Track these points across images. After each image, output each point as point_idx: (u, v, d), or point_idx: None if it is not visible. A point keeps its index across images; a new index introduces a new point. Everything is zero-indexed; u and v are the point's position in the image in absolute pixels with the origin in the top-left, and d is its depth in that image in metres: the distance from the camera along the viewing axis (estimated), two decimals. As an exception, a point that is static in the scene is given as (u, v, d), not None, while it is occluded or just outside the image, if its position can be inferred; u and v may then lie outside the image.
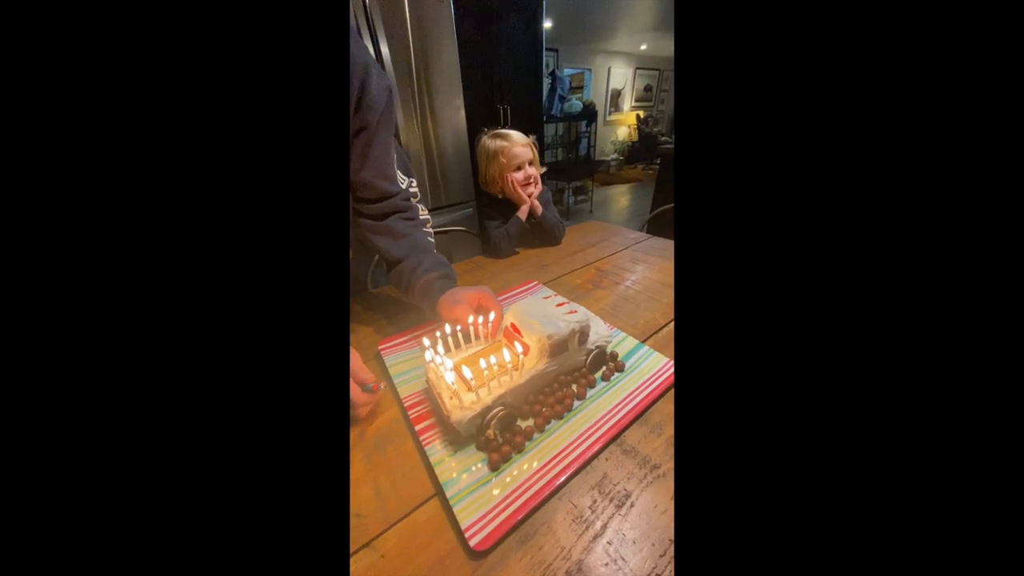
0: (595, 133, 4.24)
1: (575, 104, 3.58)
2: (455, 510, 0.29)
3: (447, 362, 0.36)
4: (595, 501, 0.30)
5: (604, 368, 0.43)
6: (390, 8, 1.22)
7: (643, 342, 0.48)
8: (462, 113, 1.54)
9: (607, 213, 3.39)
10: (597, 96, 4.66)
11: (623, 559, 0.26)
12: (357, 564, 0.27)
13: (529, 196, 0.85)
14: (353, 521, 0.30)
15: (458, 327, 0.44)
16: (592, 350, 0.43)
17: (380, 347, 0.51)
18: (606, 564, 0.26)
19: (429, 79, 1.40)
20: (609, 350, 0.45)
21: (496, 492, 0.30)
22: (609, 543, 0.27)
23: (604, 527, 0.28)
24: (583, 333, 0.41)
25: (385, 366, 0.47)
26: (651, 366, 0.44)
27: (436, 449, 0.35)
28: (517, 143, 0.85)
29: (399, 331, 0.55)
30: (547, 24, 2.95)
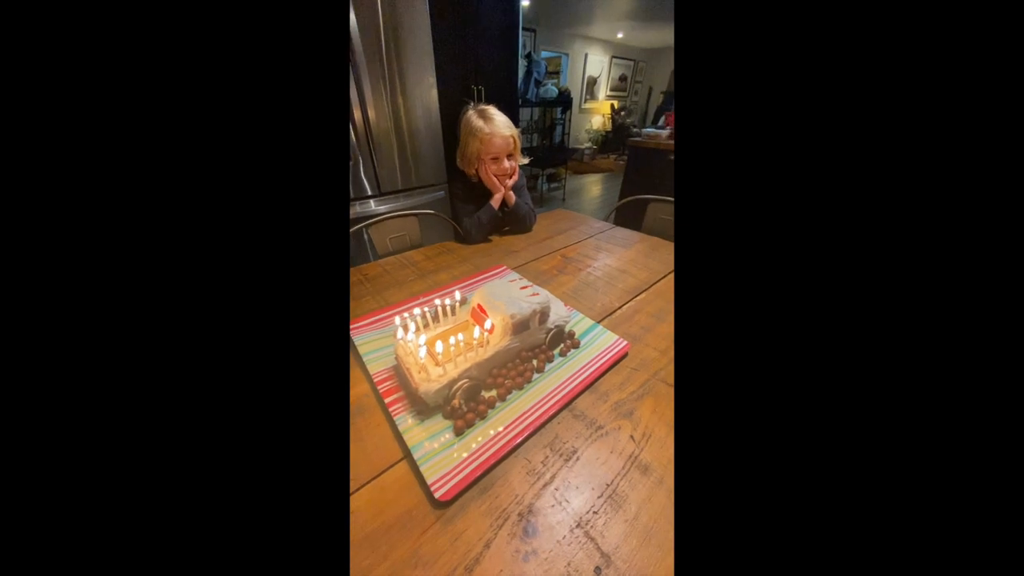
0: (570, 120, 4.25)
1: (551, 90, 3.56)
2: (422, 469, 0.32)
3: (420, 339, 0.38)
4: (547, 457, 0.34)
5: (562, 345, 0.48)
6: (357, -28, 1.14)
7: (598, 322, 0.53)
8: (435, 92, 1.49)
9: (579, 202, 3.46)
10: (573, 82, 4.64)
11: (567, 500, 0.30)
12: (330, 519, 0.29)
13: (505, 187, 0.84)
14: (325, 484, 0.32)
15: (426, 308, 0.46)
16: (552, 329, 0.47)
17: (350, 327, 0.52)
18: (552, 505, 0.30)
19: (400, 54, 1.34)
20: (567, 329, 0.49)
21: (460, 454, 0.34)
22: (556, 489, 0.31)
23: (553, 477, 0.32)
24: (543, 313, 0.45)
25: (355, 345, 0.49)
26: (603, 343, 0.48)
27: (404, 419, 0.38)
28: (498, 133, 0.80)
29: (366, 312, 0.56)
30: (524, 2, 2.86)
